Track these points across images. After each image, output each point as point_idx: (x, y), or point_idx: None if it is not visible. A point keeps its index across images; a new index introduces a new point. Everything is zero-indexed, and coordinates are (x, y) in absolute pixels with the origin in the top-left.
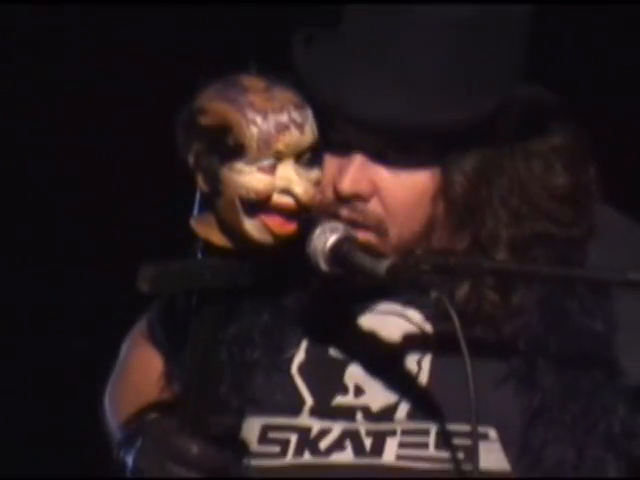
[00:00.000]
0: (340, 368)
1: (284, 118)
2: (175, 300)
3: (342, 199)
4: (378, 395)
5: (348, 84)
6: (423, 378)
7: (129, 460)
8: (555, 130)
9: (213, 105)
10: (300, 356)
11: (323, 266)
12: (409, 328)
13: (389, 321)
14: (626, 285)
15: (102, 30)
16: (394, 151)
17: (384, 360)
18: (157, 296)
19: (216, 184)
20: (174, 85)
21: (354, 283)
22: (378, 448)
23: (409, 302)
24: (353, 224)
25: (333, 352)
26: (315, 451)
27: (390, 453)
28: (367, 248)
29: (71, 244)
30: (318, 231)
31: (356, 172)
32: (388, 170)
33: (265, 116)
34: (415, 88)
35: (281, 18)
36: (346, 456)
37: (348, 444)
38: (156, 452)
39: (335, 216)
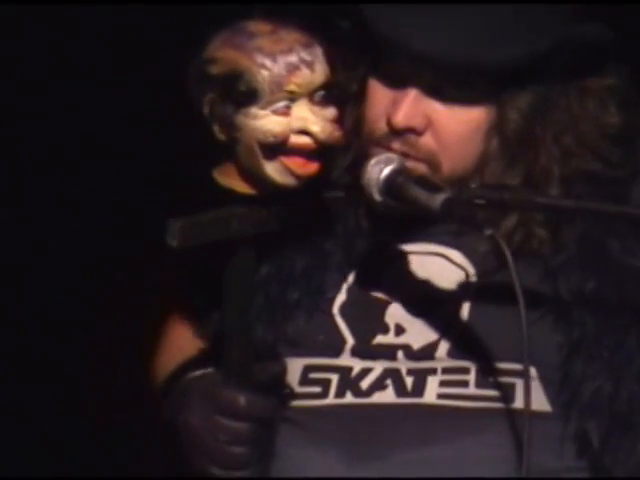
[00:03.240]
0: (381, 308)
1: (293, 58)
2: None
3: (396, 132)
4: (419, 334)
5: (408, 18)
6: (464, 317)
7: (179, 418)
8: (609, 70)
9: (222, 53)
10: (342, 297)
11: (377, 197)
12: (450, 268)
13: (430, 261)
14: None
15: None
16: (449, 86)
17: (425, 299)
18: (186, 250)
19: (233, 131)
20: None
21: (401, 219)
22: (419, 387)
23: (450, 242)
24: (406, 156)
25: (375, 292)
26: (357, 391)
27: (431, 392)
28: (422, 180)
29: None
30: (373, 162)
31: (411, 106)
32: (443, 105)
33: (274, 58)
34: (473, 25)
35: None
36: (388, 396)
37: (389, 383)
38: (204, 407)
39: (387, 149)
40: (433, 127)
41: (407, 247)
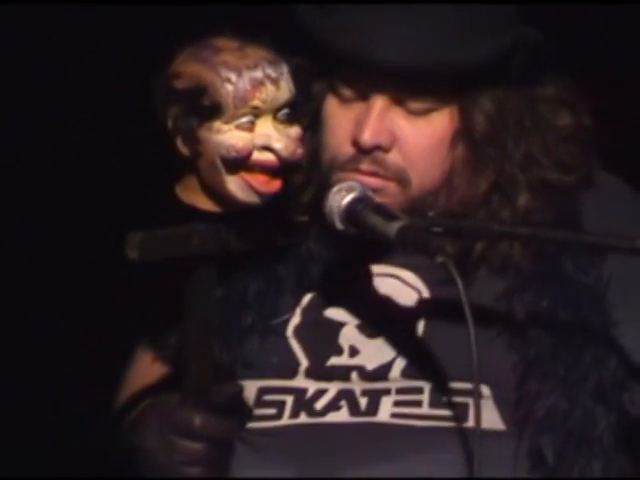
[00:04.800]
0: (335, 329)
1: (259, 74)
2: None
3: (363, 151)
4: (373, 355)
5: (365, 33)
6: (417, 337)
7: (134, 441)
8: (553, 77)
9: (187, 67)
10: (295, 319)
11: (338, 224)
12: (403, 288)
13: (384, 282)
14: (633, 253)
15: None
16: (412, 96)
17: (379, 321)
18: (145, 264)
19: (196, 145)
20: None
21: (355, 243)
22: (373, 407)
23: (402, 263)
24: (375, 176)
25: (329, 314)
26: (311, 412)
27: (385, 411)
28: (381, 209)
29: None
30: (335, 189)
31: (376, 122)
32: (406, 118)
33: (239, 73)
34: (432, 29)
35: None
36: (341, 415)
37: (344, 404)
38: (160, 428)
39: (355, 170)
40: (399, 143)
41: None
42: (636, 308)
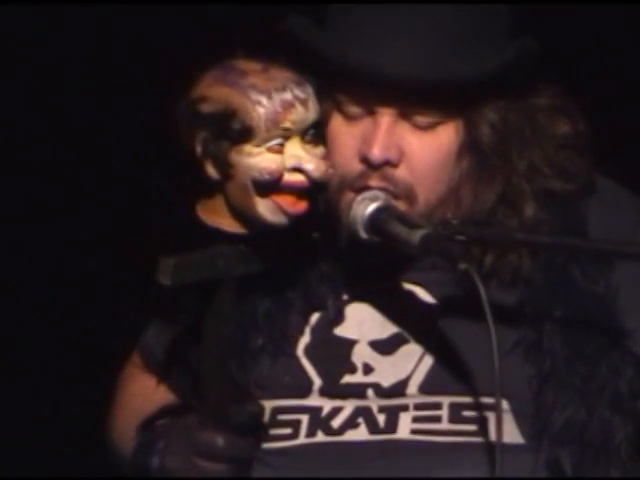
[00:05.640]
0: (347, 348)
1: (288, 96)
2: (172, 306)
3: (373, 167)
4: (388, 372)
5: (373, 48)
6: (432, 352)
7: (154, 462)
8: (545, 84)
9: (214, 91)
10: (305, 339)
11: (362, 234)
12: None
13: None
14: None
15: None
16: (419, 109)
17: (391, 338)
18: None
19: (227, 169)
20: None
21: (365, 263)
22: (392, 424)
23: (414, 280)
24: (384, 192)
25: (339, 332)
26: (328, 430)
27: (404, 428)
28: (404, 218)
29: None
30: (359, 199)
31: (384, 138)
32: (413, 133)
33: (269, 95)
34: (438, 43)
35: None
36: (360, 433)
37: (361, 421)
38: (182, 449)
39: (365, 188)
40: (407, 158)
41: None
42: None
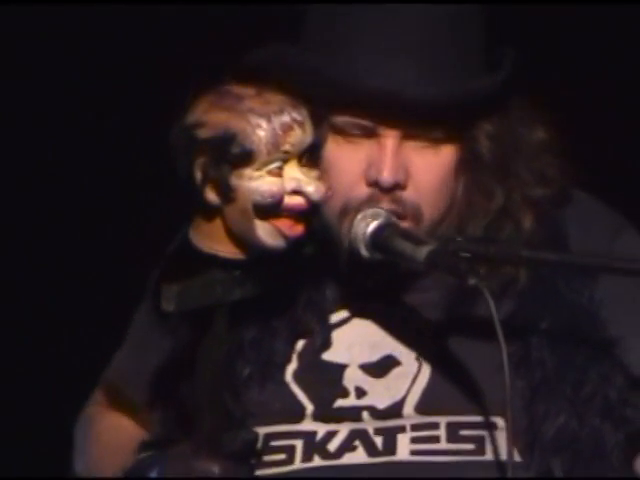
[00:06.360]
0: (337, 372)
1: (286, 118)
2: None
3: (384, 190)
4: (382, 394)
5: (383, 72)
6: (425, 373)
7: None
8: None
9: (211, 116)
10: (293, 365)
11: (363, 252)
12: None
13: (378, 322)
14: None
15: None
16: (423, 128)
17: (382, 360)
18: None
19: (229, 193)
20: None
21: (346, 283)
22: (390, 446)
23: (394, 302)
24: (393, 214)
25: (327, 357)
26: (325, 454)
27: (404, 449)
28: (408, 234)
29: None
30: (359, 217)
31: (393, 160)
32: (418, 153)
33: (269, 119)
34: (441, 63)
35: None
36: (359, 456)
37: (358, 444)
38: (177, 478)
39: None
40: (413, 179)
41: (353, 311)
42: (636, 323)
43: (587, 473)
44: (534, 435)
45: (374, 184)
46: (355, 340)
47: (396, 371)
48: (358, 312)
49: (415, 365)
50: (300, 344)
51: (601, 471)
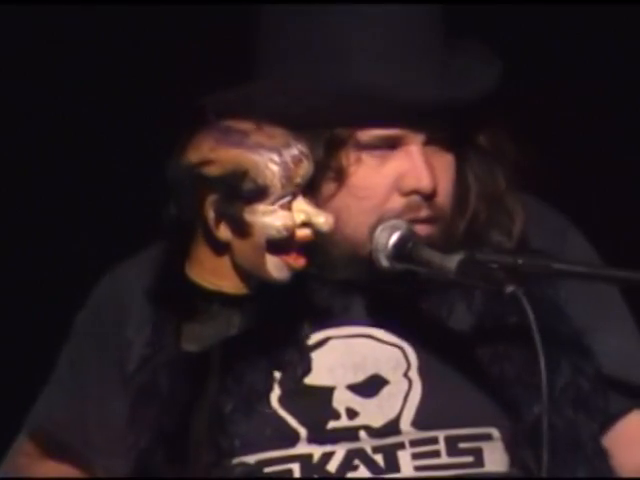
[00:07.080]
0: (325, 395)
1: (295, 151)
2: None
3: (425, 197)
4: (375, 413)
5: (399, 76)
6: (417, 389)
7: None
8: None
9: (219, 153)
10: (276, 392)
11: (384, 262)
12: (380, 346)
13: (357, 343)
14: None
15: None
16: (440, 131)
17: (368, 380)
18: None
19: (244, 229)
20: None
21: (317, 307)
22: (393, 463)
23: (371, 322)
24: (430, 221)
25: (310, 381)
26: (326, 475)
27: (407, 466)
28: (431, 244)
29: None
30: (380, 229)
31: (426, 167)
32: (437, 157)
33: (279, 153)
34: (445, 64)
35: None
36: (363, 475)
37: (358, 463)
38: None
39: (416, 221)
40: (438, 183)
41: (329, 333)
42: (604, 315)
43: (561, 464)
44: (514, 427)
45: (411, 193)
46: (335, 362)
47: (386, 390)
48: (334, 335)
49: (405, 382)
50: (278, 374)
51: (576, 462)
